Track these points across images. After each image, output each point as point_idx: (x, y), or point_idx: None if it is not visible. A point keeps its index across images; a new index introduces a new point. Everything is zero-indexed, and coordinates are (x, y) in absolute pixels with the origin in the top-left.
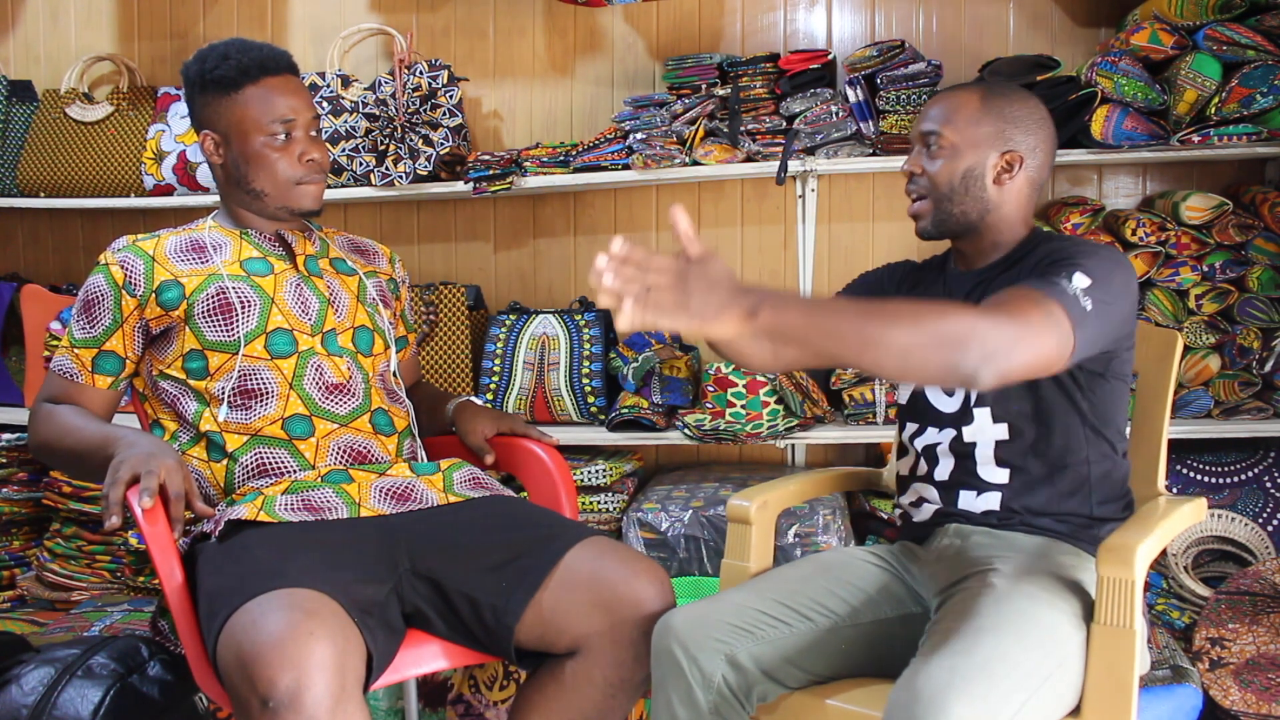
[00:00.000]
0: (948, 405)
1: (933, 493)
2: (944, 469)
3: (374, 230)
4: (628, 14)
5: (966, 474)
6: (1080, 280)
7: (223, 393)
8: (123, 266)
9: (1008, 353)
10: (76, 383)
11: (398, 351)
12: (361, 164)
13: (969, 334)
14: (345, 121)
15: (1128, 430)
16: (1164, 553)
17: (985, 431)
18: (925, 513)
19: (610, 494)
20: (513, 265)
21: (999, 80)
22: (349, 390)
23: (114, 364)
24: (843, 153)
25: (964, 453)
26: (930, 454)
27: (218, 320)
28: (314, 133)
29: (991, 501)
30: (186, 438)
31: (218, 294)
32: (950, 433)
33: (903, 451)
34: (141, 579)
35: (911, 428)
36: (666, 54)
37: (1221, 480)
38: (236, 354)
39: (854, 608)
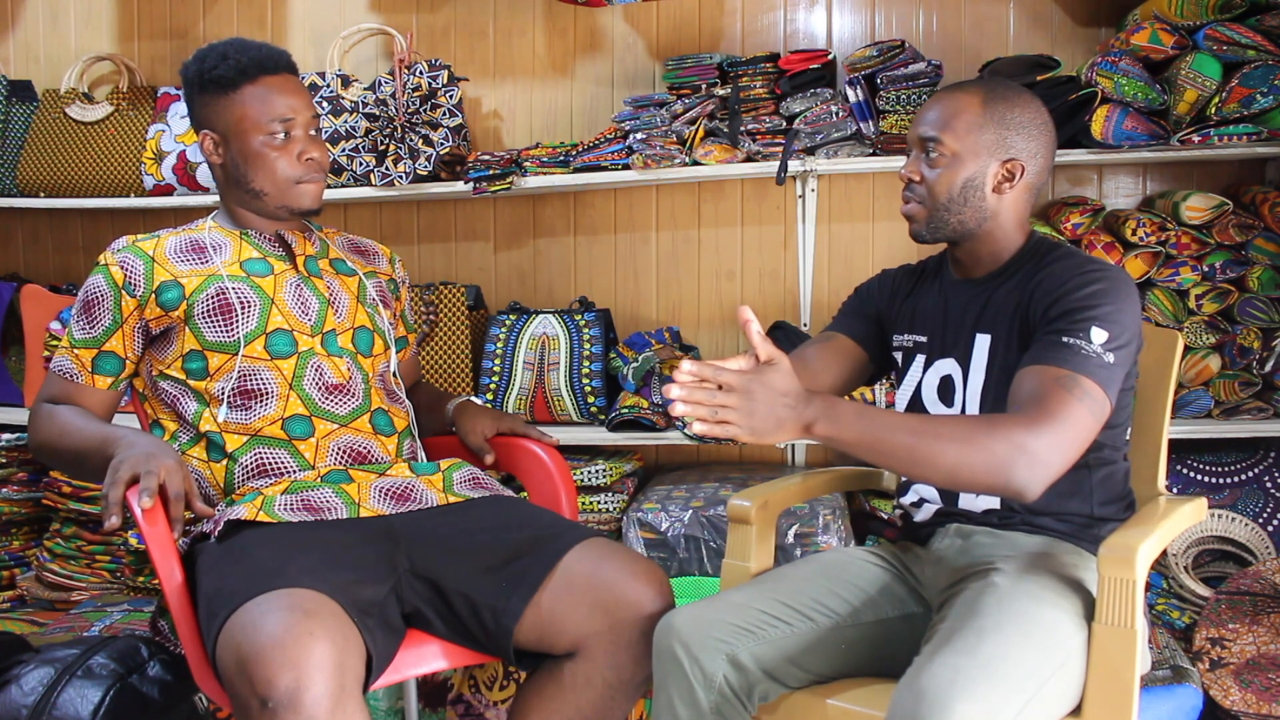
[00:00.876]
0: (945, 411)
1: (933, 493)
2: None
3: (374, 230)
4: (628, 14)
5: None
6: (1098, 335)
7: (222, 393)
8: (122, 267)
9: (1052, 459)
10: (76, 383)
11: (397, 352)
12: (361, 164)
13: (1016, 452)
14: (345, 121)
15: (1129, 433)
16: (1164, 553)
17: None
18: (926, 513)
19: (610, 494)
20: (513, 265)
21: (999, 80)
22: (349, 391)
23: (114, 364)
24: (843, 153)
25: None
26: None
27: (218, 321)
28: (313, 132)
29: (992, 500)
30: (186, 438)
31: (217, 294)
32: None
33: None
34: (141, 579)
35: None
36: (666, 54)
37: (1222, 480)
38: (236, 355)
39: (855, 607)
